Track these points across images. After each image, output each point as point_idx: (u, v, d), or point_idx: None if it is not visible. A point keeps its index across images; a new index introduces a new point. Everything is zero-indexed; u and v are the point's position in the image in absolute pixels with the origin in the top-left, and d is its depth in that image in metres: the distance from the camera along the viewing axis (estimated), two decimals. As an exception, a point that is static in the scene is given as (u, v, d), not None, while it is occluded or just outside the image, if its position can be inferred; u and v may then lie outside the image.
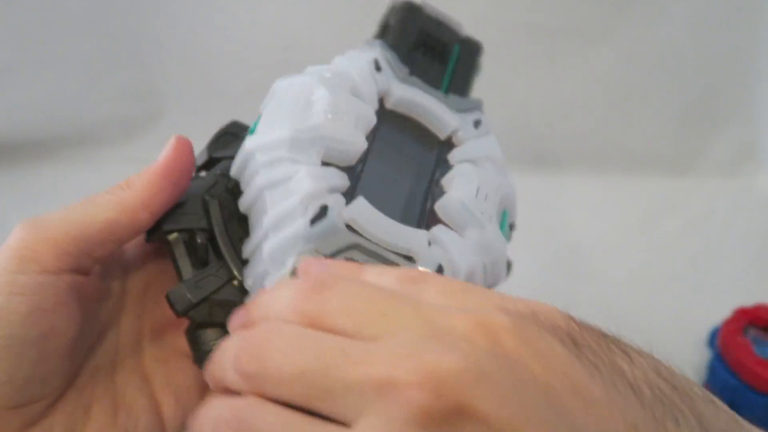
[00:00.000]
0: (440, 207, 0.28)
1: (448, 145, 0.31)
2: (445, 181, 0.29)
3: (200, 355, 0.27)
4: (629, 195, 0.65)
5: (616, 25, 0.62)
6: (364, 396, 0.17)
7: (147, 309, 0.30)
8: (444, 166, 0.30)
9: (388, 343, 0.18)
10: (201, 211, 0.28)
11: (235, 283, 0.27)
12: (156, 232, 0.27)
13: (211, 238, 0.27)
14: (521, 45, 0.62)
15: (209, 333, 0.27)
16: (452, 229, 0.27)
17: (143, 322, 0.30)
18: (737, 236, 0.59)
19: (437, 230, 0.27)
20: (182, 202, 0.28)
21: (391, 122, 0.30)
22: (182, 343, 0.30)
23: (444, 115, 0.31)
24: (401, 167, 0.29)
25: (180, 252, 0.27)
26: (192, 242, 0.27)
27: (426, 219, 0.28)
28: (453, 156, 0.30)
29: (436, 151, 0.31)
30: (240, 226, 0.27)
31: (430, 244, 0.27)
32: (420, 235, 0.26)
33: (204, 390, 0.30)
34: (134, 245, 0.29)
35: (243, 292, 0.27)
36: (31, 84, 0.63)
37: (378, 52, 0.31)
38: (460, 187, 0.28)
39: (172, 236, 0.27)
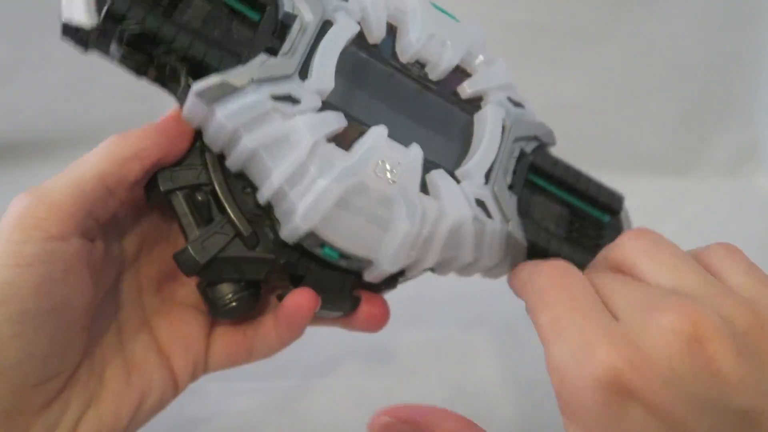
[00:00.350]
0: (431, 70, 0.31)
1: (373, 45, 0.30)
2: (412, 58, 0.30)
3: (217, 309, 0.27)
4: (629, 195, 0.65)
5: (616, 25, 0.62)
6: (646, 312, 0.21)
7: (143, 264, 0.30)
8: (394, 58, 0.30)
9: (677, 294, 0.22)
10: (200, 166, 0.27)
11: (243, 236, 0.26)
12: (155, 191, 0.27)
13: (213, 193, 0.27)
14: (521, 45, 0.62)
15: (223, 288, 0.27)
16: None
17: (141, 278, 0.29)
18: (737, 236, 0.59)
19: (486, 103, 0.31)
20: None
21: (347, 95, 0.28)
22: (182, 293, 0.30)
23: (336, 47, 0.28)
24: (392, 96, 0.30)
25: (182, 211, 0.26)
26: (193, 199, 0.26)
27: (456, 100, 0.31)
28: (400, 50, 0.30)
29: (379, 53, 0.30)
30: (242, 176, 0.27)
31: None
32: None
33: (209, 337, 0.30)
34: (126, 205, 0.28)
35: (251, 246, 0.26)
36: (31, 84, 0.63)
37: (255, 88, 0.25)
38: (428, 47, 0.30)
39: (173, 196, 0.26)
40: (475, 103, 0.31)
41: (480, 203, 0.28)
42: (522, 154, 0.31)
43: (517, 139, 0.31)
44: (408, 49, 0.30)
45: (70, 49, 0.64)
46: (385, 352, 0.44)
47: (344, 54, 0.28)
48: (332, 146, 0.26)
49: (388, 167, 0.26)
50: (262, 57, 0.26)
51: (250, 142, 0.25)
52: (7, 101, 0.63)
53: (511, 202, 0.30)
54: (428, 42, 0.30)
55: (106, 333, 0.28)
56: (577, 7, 0.61)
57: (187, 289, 0.30)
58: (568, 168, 0.33)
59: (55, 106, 0.65)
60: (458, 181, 0.29)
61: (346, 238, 0.26)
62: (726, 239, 0.65)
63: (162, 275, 0.30)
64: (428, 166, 0.28)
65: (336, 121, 0.26)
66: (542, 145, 0.32)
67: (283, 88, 0.25)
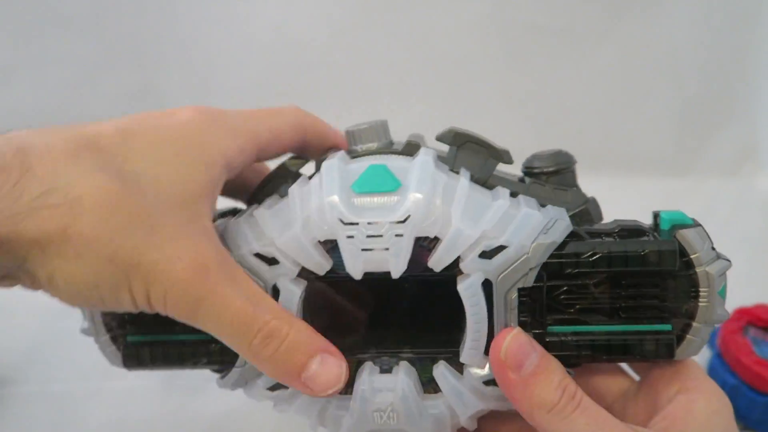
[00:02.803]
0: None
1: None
2: None
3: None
4: (629, 195, 0.65)
5: (616, 25, 0.62)
6: None
7: None
8: None
9: None
10: None
11: None
12: None
13: None
14: (521, 45, 0.62)
15: None
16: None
17: None
18: (737, 236, 0.59)
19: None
20: None
21: None
22: None
23: None
24: None
25: None
26: None
27: None
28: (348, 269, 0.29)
29: None
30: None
31: None
32: None
33: None
34: None
35: None
36: (31, 84, 0.63)
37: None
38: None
39: None
40: (453, 269, 0.27)
41: (489, 382, 0.28)
42: (522, 293, 0.27)
43: (510, 289, 0.27)
44: (355, 270, 0.27)
45: (70, 49, 0.64)
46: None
47: (306, 301, 0.28)
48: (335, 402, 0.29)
49: (383, 411, 0.28)
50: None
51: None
52: (7, 101, 0.63)
53: None
54: (374, 252, 0.27)
55: None
56: (577, 8, 0.61)
57: None
58: (593, 250, 0.28)
59: (55, 106, 0.65)
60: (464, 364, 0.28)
61: None
62: (726, 239, 0.65)
63: None
64: (433, 358, 0.29)
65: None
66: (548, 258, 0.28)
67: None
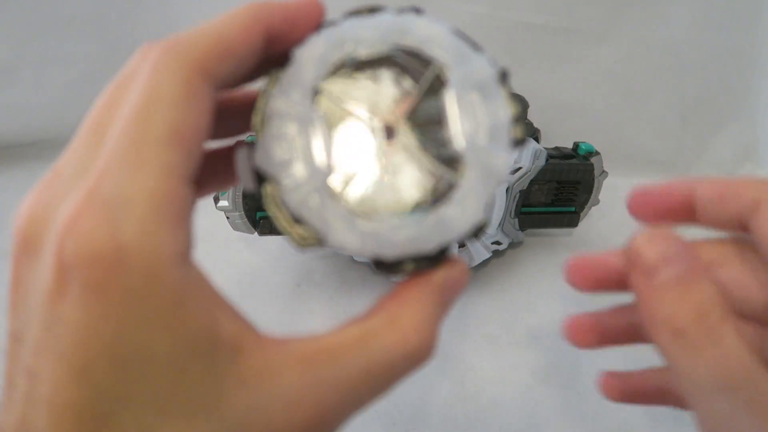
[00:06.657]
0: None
1: None
2: None
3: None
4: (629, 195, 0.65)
5: (616, 25, 0.62)
6: None
7: None
8: None
9: None
10: None
11: None
12: None
13: None
14: (521, 45, 0.63)
15: None
16: None
17: None
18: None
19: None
20: None
21: None
22: None
23: None
24: None
25: None
26: None
27: None
28: None
29: None
30: None
31: None
32: None
33: None
34: None
35: None
36: (32, 84, 0.63)
37: None
38: None
39: None
40: None
41: (495, 243, 0.51)
42: (520, 191, 0.50)
43: (516, 190, 0.49)
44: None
45: (70, 49, 0.63)
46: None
47: None
48: None
49: None
50: None
51: None
52: (7, 101, 0.63)
53: (513, 223, 0.51)
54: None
55: None
56: (577, 7, 0.61)
57: None
58: (553, 167, 0.50)
59: (55, 107, 0.65)
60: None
61: None
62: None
63: None
64: None
65: None
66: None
67: None
